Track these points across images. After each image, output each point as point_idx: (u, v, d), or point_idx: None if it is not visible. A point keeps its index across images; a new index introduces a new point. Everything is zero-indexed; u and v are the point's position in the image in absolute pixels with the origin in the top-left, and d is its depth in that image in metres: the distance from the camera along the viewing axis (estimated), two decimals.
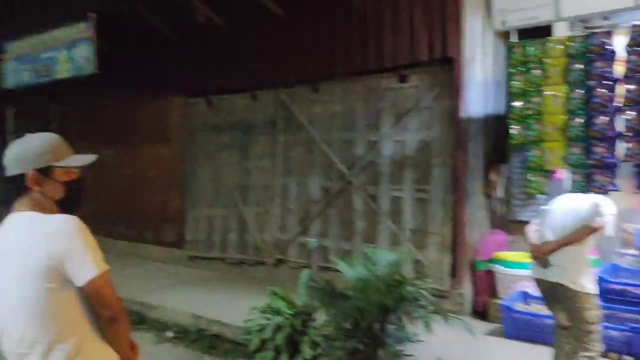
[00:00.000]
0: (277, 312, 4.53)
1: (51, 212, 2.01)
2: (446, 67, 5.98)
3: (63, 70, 7.89)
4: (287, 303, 4.61)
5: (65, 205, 2.06)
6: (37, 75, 8.37)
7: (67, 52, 7.72)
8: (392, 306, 3.52)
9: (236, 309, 5.63)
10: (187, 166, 8.59)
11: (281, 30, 7.33)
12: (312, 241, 4.66)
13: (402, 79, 6.41)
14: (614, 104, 5.01)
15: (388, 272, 3.90)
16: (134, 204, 9.50)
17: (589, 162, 5.13)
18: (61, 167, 2.05)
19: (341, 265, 4.14)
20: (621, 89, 4.99)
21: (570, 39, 5.28)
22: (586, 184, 5.11)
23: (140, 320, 6.31)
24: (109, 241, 9.81)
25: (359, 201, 6.70)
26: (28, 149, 2.02)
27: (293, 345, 4.35)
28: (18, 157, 2.01)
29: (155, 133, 9.12)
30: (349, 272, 3.97)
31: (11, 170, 2.00)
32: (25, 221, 1.97)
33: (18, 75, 8.72)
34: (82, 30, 7.49)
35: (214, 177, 8.26)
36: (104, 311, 1.93)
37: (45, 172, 2.02)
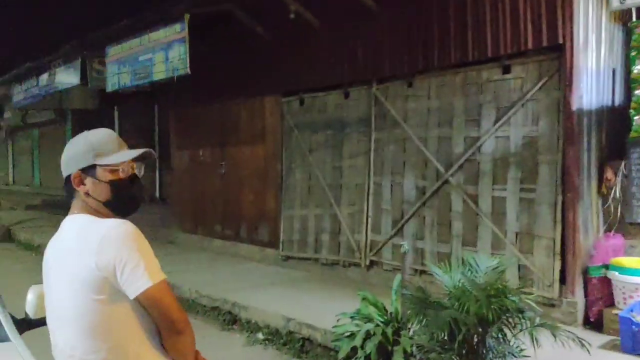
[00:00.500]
0: (367, 318, 4.40)
1: (104, 215, 1.88)
2: (555, 54, 5.59)
3: (159, 72, 8.17)
4: (378, 309, 4.47)
5: (114, 208, 1.91)
6: (136, 77, 8.74)
7: (164, 53, 7.99)
8: (492, 318, 3.28)
9: (327, 312, 5.55)
10: (282, 165, 8.66)
11: (374, 24, 7.20)
12: (404, 245, 4.48)
13: (505, 70, 6.07)
14: None
15: (489, 279, 3.66)
16: (230, 204, 9.72)
17: None
18: (103, 165, 1.88)
19: (436, 271, 3.94)
20: None
21: None
22: None
23: (232, 320, 6.42)
24: (206, 240, 10.14)
25: (457, 201, 6.43)
26: (73, 148, 1.93)
27: (384, 355, 4.21)
28: (65, 158, 1.93)
29: (250, 132, 9.28)
30: (445, 278, 3.76)
31: (63, 171, 1.93)
32: (76, 226, 1.84)
33: (119, 78, 9.15)
34: (177, 31, 7.72)
35: (308, 176, 8.26)
36: (164, 324, 1.78)
37: (88, 171, 1.89)
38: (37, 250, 11.45)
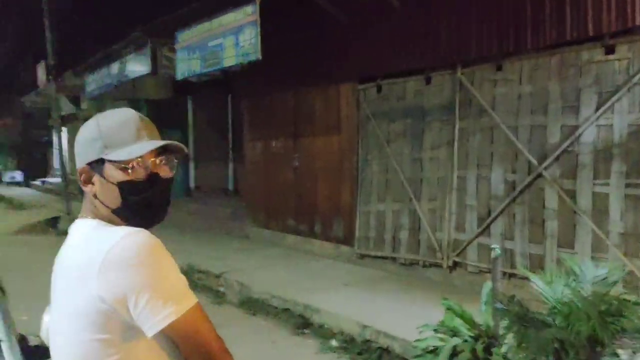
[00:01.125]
0: (453, 332, 4.12)
1: (117, 225, 1.50)
2: None
3: (230, 58, 8.13)
4: (465, 321, 4.17)
5: (125, 218, 1.51)
6: (206, 64, 8.75)
7: (234, 38, 7.93)
8: (606, 339, 2.94)
9: (407, 318, 5.32)
10: (357, 157, 8.44)
11: (459, 2, 6.84)
12: (495, 247, 4.16)
13: (609, 50, 5.59)
14: None
15: (597, 291, 3.31)
16: (303, 198, 9.62)
17: None
18: (112, 161, 1.49)
19: (536, 281, 3.61)
20: None
21: None
22: None
23: (304, 324, 6.28)
24: (279, 235, 10.10)
25: (552, 197, 6.00)
26: (82, 135, 1.55)
27: None
28: (76, 146, 1.56)
29: (324, 122, 9.12)
30: (547, 291, 3.42)
31: (76, 163, 1.56)
32: (81, 234, 1.50)
33: (188, 64, 9.20)
34: (247, 14, 7.62)
35: (385, 168, 8.01)
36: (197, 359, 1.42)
37: (97, 167, 1.51)
38: None
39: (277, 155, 10.24)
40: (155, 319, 1.34)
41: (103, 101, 19.51)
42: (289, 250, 9.57)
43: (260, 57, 7.54)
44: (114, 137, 1.49)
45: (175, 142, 1.57)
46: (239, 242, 10.52)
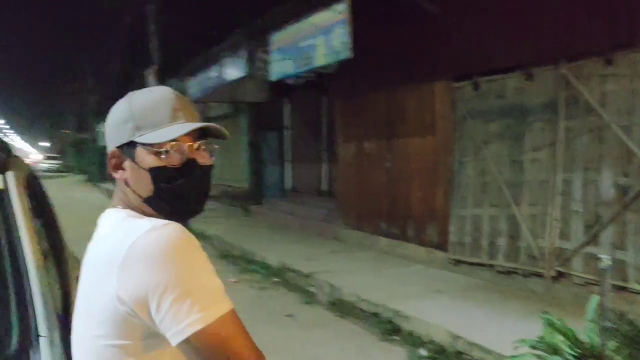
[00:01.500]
0: (553, 349, 3.68)
1: (147, 214, 1.33)
2: None
3: (321, 57, 7.96)
4: (567, 339, 3.72)
5: (158, 209, 1.33)
6: (298, 64, 8.63)
7: (324, 37, 7.75)
8: None
9: (502, 331, 4.90)
10: (452, 159, 7.99)
11: None
12: (605, 258, 3.67)
13: None
14: None
15: None
16: (396, 200, 9.28)
17: None
18: (144, 144, 1.31)
19: None
20: None
21: None
22: None
23: (393, 330, 5.97)
24: (371, 237, 9.81)
25: None
26: (113, 115, 1.38)
27: None
28: (106, 129, 1.39)
29: (418, 122, 8.73)
30: None
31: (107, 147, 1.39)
32: (108, 226, 1.33)
33: (282, 65, 9.13)
34: (338, 12, 7.41)
35: (482, 171, 7.51)
36: None
37: (128, 150, 1.34)
38: (209, 240, 11.98)
39: (370, 157, 9.95)
40: (179, 325, 1.13)
41: (209, 105, 20.06)
42: (381, 253, 9.26)
43: (350, 55, 7.30)
44: (146, 118, 1.32)
45: (215, 125, 1.37)
46: (331, 243, 10.33)
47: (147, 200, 1.32)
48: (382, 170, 9.55)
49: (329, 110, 12.86)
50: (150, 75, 19.39)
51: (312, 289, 7.61)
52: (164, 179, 1.30)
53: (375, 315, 6.34)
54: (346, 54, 7.33)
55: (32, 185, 2.43)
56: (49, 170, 49.77)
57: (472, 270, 7.52)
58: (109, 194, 25.67)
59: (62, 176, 45.97)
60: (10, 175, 1.88)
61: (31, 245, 1.87)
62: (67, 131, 57.00)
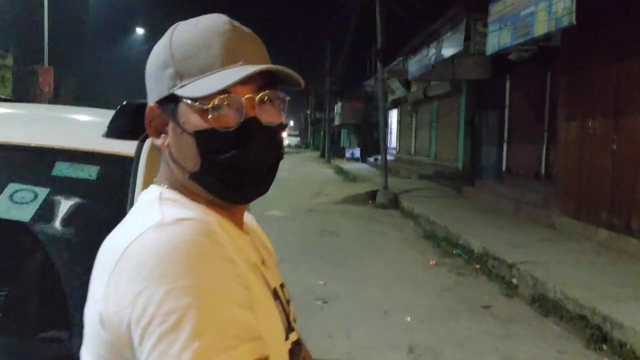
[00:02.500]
0: None
1: (201, 199, 0.95)
2: None
3: (541, 25, 6.94)
4: None
5: (208, 187, 0.94)
6: (515, 35, 7.68)
7: (546, 4, 6.72)
8: None
9: None
10: None
11: None
12: None
13: None
14: None
15: None
16: (620, 187, 7.88)
17: None
18: (186, 97, 0.91)
19: None
20: None
21: None
22: None
23: (601, 337, 4.97)
24: (589, 228, 8.52)
25: None
26: (152, 58, 0.98)
27: None
28: (146, 78, 1.00)
29: None
30: None
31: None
32: (133, 209, 0.97)
33: (498, 37, 8.23)
34: None
35: None
36: None
37: (169, 107, 0.94)
38: (416, 219, 11.56)
39: (593, 137, 8.57)
40: None
41: (430, 83, 19.53)
42: (598, 246, 7.94)
43: (574, 21, 6.22)
44: (189, 60, 0.92)
45: (284, 68, 0.93)
46: (542, 231, 9.19)
47: (195, 176, 0.93)
48: (606, 153, 8.16)
49: (553, 88, 11.50)
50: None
51: (514, 280, 6.77)
52: (214, 147, 0.91)
53: (582, 317, 5.35)
54: (569, 19, 6.25)
55: None
56: (289, 146, 54.02)
57: None
58: (337, 169, 26.66)
59: (299, 152, 49.28)
60: (147, 142, 1.63)
61: None
62: (308, 111, 60.79)
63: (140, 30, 49.57)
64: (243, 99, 0.90)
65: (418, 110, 23.70)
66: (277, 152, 0.97)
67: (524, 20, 7.46)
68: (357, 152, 32.52)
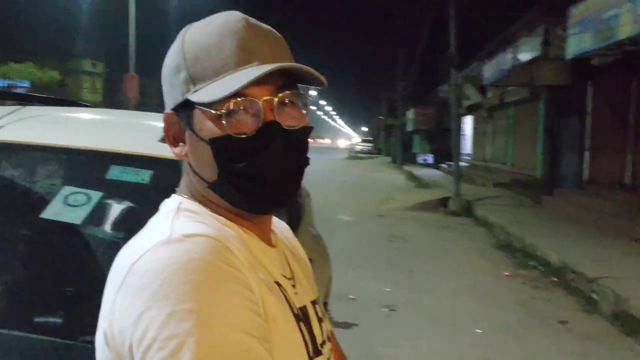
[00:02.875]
0: None
1: (221, 211, 0.89)
2: None
3: (625, 29, 6.54)
4: None
5: (227, 197, 0.87)
6: (597, 39, 7.28)
7: (631, 5, 6.32)
8: None
9: None
10: None
11: None
12: None
13: None
14: None
15: None
16: None
17: None
18: (200, 103, 0.84)
19: None
20: None
21: None
22: None
23: None
24: None
25: None
26: (166, 61, 0.91)
27: None
28: (162, 82, 0.93)
29: None
30: None
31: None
32: (152, 220, 0.90)
33: (579, 40, 7.83)
34: None
35: None
36: None
37: (185, 114, 0.88)
38: (490, 228, 11.18)
39: None
40: None
41: (507, 89, 18.94)
42: None
43: None
44: (201, 63, 0.85)
45: (300, 66, 0.85)
46: (626, 244, 8.64)
47: (213, 186, 0.87)
48: None
49: (638, 93, 10.85)
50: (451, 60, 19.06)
51: (594, 295, 6.39)
52: (230, 155, 0.84)
53: None
54: None
55: None
56: (361, 152, 54.03)
57: None
58: (409, 175, 26.31)
59: (371, 157, 49.16)
60: None
61: None
62: (380, 117, 60.63)
63: None
64: (260, 101, 0.83)
65: (494, 116, 23.02)
66: (300, 158, 0.89)
67: (607, 23, 7.06)
68: (430, 158, 31.99)
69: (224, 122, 0.82)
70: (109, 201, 1.48)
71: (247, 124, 0.83)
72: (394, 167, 34.48)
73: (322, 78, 0.87)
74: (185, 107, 0.86)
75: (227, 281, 0.75)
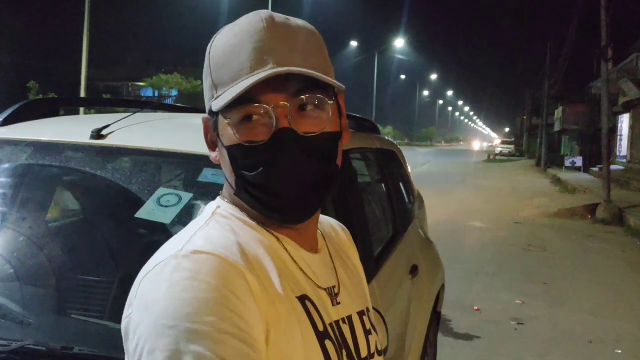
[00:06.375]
0: None
1: (255, 217, 0.91)
2: None
3: None
4: None
5: (252, 206, 0.89)
6: None
7: None
8: None
9: None
10: None
11: None
12: None
13: None
14: None
15: None
16: None
17: None
18: (214, 111, 0.87)
19: None
20: None
21: None
22: None
23: None
24: None
25: None
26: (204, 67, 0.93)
27: None
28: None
29: None
30: None
31: None
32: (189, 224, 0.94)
33: None
34: None
35: None
36: None
37: (213, 119, 0.91)
38: (638, 236, 10.31)
39: None
40: None
41: None
42: None
43: None
44: (223, 68, 0.86)
45: (302, 70, 0.82)
46: None
47: (236, 193, 0.90)
48: None
49: None
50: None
51: None
52: (242, 164, 0.86)
53: None
54: None
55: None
56: (500, 154, 51.88)
57: None
58: (554, 178, 24.90)
59: (512, 160, 47.03)
60: None
61: None
62: (523, 117, 57.94)
63: (353, 43, 51.47)
64: (270, 107, 0.82)
65: None
66: (322, 165, 0.86)
67: None
68: (579, 161, 29.95)
69: (235, 129, 0.84)
70: (198, 202, 1.59)
71: (258, 132, 0.83)
72: (537, 170, 32.83)
73: (331, 81, 0.85)
74: (213, 113, 0.89)
75: (221, 306, 0.74)
